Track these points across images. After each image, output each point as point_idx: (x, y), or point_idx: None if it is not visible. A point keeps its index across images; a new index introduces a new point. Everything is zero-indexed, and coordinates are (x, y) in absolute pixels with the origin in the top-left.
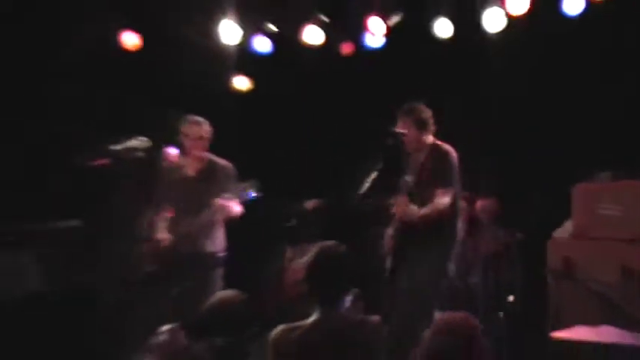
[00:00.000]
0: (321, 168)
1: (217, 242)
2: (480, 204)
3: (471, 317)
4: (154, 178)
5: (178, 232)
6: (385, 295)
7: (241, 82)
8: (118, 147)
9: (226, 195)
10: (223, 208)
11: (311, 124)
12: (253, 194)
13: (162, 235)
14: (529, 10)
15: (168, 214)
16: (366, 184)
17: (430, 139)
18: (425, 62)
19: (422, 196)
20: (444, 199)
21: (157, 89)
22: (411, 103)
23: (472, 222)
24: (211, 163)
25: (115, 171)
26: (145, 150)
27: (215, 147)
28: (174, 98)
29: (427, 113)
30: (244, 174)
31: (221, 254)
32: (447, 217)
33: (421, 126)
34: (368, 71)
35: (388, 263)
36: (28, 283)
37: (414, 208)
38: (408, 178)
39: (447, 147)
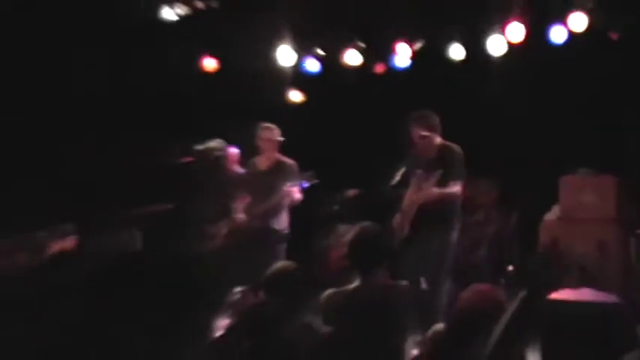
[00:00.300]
0: (360, 164)
1: (282, 221)
2: (482, 189)
3: (497, 288)
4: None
5: (252, 213)
6: (400, 263)
7: (296, 96)
8: (201, 147)
9: (290, 184)
10: (288, 194)
11: (352, 129)
12: (309, 184)
13: (240, 215)
14: (525, 38)
15: (245, 200)
16: (396, 178)
17: (439, 139)
18: (441, 79)
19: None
20: (455, 188)
21: (233, 103)
22: (421, 112)
23: (473, 204)
24: (279, 160)
25: (199, 166)
26: (222, 149)
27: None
28: (247, 109)
29: (436, 119)
30: (302, 168)
31: (285, 231)
32: (453, 200)
33: (432, 130)
34: (396, 87)
35: (399, 238)
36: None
37: (431, 191)
38: (419, 172)
39: (454, 146)
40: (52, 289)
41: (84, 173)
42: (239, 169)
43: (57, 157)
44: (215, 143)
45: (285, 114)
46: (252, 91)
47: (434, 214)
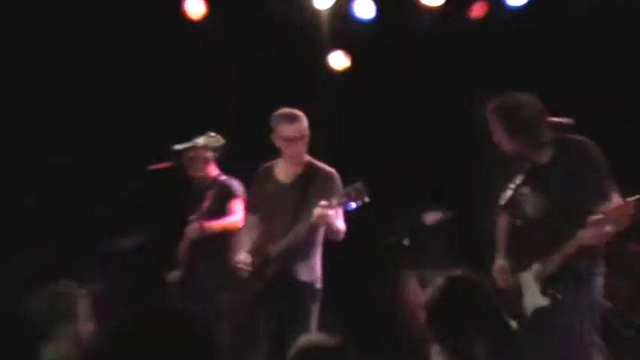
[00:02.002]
0: (442, 169)
1: (314, 266)
2: None
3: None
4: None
5: (266, 253)
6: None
7: (337, 60)
8: (181, 146)
9: (327, 205)
10: (325, 216)
11: (427, 112)
12: (358, 204)
13: (244, 256)
14: None
15: (255, 230)
16: (509, 192)
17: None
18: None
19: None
20: (613, 203)
21: (237, 76)
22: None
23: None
24: (310, 167)
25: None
26: (216, 149)
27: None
28: (258, 86)
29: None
30: (347, 179)
31: (318, 284)
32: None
33: (535, 119)
34: (499, 41)
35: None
36: None
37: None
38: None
39: (582, 138)
40: None
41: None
42: (236, 184)
43: None
44: (206, 139)
45: (320, 91)
46: (269, 56)
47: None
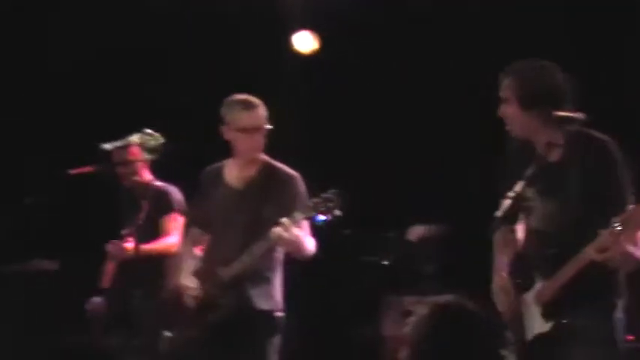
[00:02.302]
0: (428, 174)
1: (275, 295)
2: None
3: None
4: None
5: (216, 277)
6: None
7: (303, 41)
8: (110, 146)
9: (290, 221)
10: (286, 235)
11: (410, 106)
12: (329, 216)
13: (187, 280)
14: None
15: (199, 247)
16: (507, 202)
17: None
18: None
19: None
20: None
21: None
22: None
23: None
24: (267, 169)
25: (108, 179)
26: (154, 149)
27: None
28: (206, 75)
29: (555, 82)
30: (315, 185)
31: (280, 314)
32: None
33: (553, 101)
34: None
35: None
36: None
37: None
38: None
39: (597, 135)
40: None
41: None
42: (174, 192)
43: None
44: (141, 137)
45: (283, 78)
46: (220, 37)
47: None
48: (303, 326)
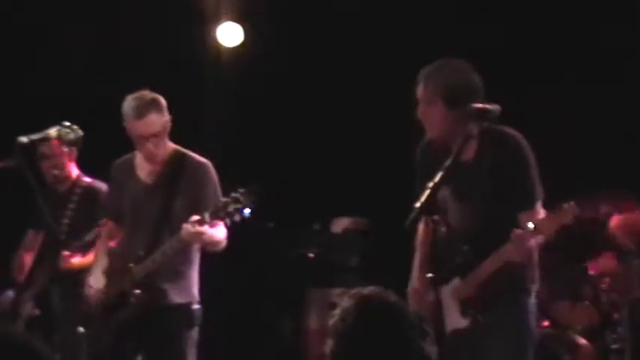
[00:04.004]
0: (351, 167)
1: (190, 288)
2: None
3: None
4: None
5: (129, 273)
6: None
7: (228, 33)
8: (26, 139)
9: (200, 220)
10: (197, 234)
11: (335, 100)
12: (247, 210)
13: (97, 278)
14: None
15: (110, 243)
16: (427, 191)
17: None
18: None
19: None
20: (534, 219)
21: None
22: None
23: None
24: (176, 159)
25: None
26: (72, 142)
27: (187, 135)
28: (125, 66)
29: (466, 75)
30: (238, 179)
31: (196, 306)
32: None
33: (463, 94)
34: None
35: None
36: None
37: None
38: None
39: (509, 131)
40: None
41: None
42: (99, 183)
43: None
44: (59, 130)
45: (206, 72)
46: (140, 26)
47: (497, 282)
48: (227, 319)
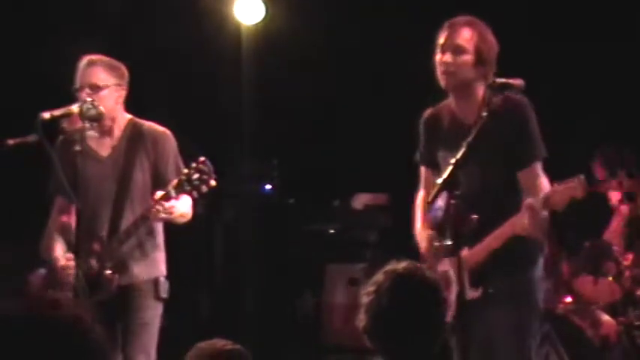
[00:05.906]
0: (372, 143)
1: (157, 262)
2: None
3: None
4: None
5: (92, 252)
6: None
7: (247, 11)
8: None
9: (163, 196)
10: (166, 213)
11: (356, 74)
12: (204, 187)
13: (60, 254)
14: None
15: (70, 220)
16: (449, 167)
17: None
18: None
19: None
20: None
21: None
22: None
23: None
24: (133, 130)
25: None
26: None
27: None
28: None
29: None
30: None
31: (162, 279)
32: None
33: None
34: None
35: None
36: None
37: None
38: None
39: (517, 97)
40: None
41: None
42: None
43: None
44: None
45: (225, 51)
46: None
47: (506, 254)
48: (248, 295)
